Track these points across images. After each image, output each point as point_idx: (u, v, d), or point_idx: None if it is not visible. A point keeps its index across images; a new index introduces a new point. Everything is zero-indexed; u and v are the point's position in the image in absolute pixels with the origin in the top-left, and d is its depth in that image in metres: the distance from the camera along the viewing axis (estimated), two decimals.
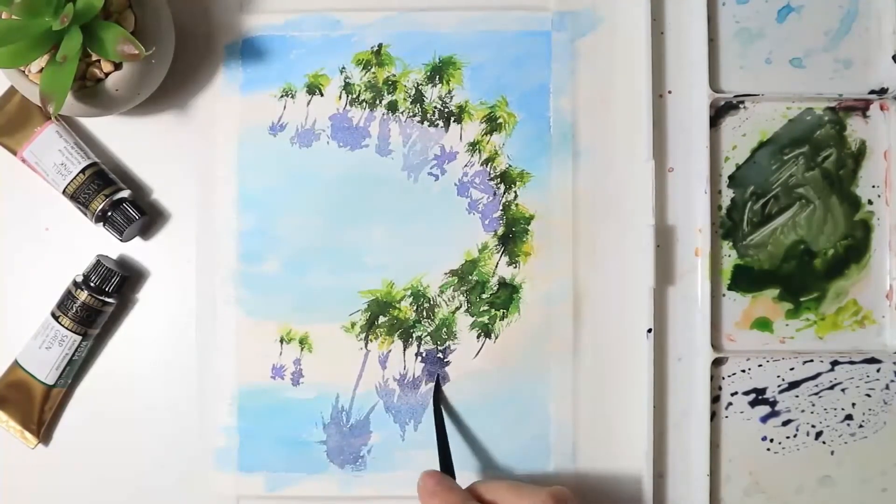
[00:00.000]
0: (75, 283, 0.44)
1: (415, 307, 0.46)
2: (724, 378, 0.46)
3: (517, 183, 0.46)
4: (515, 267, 0.46)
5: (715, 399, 0.46)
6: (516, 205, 0.46)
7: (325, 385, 0.46)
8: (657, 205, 0.45)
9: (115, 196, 0.44)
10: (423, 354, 0.46)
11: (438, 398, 0.45)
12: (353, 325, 0.46)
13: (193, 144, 0.46)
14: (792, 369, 0.46)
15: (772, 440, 0.46)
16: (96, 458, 0.46)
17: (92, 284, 0.44)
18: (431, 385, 0.46)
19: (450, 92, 0.46)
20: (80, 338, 0.44)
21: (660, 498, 0.45)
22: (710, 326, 0.45)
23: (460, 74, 0.46)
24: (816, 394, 0.46)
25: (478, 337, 0.46)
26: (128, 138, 0.47)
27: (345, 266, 0.46)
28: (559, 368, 0.46)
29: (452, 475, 0.41)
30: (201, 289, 0.46)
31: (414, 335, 0.46)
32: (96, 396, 0.46)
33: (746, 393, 0.46)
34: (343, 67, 0.47)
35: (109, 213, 0.44)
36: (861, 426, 0.46)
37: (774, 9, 0.47)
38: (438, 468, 0.41)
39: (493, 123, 0.46)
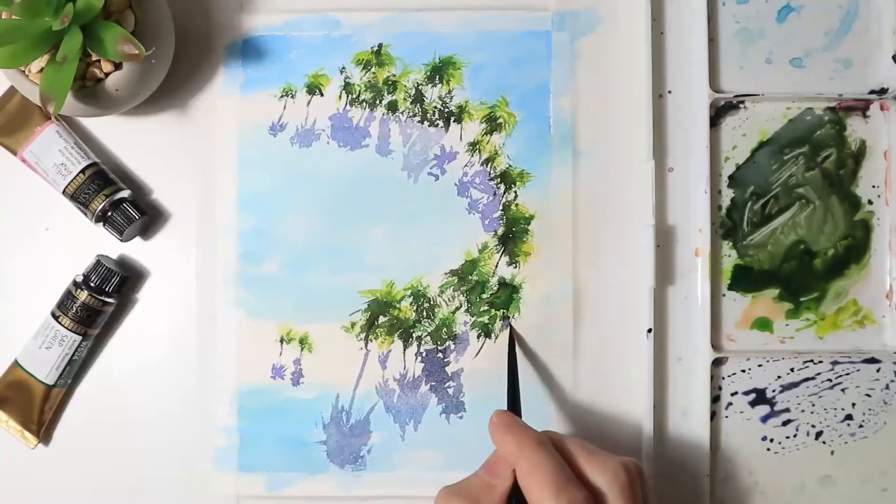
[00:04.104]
0: (75, 283, 0.44)
1: (415, 307, 0.46)
2: (724, 378, 0.46)
3: (517, 183, 0.46)
4: (515, 267, 0.46)
5: (715, 399, 0.46)
6: (516, 205, 0.46)
7: (325, 385, 0.46)
8: (657, 205, 0.45)
9: (115, 196, 0.44)
10: (424, 354, 0.46)
11: (513, 342, 0.44)
12: (353, 325, 0.46)
13: (193, 144, 0.46)
14: (792, 369, 0.46)
15: (772, 440, 0.46)
16: (96, 458, 0.46)
17: (92, 284, 0.44)
18: (431, 384, 0.46)
19: (450, 92, 0.46)
20: (80, 338, 0.44)
21: (660, 498, 0.45)
22: (710, 326, 0.45)
23: (460, 74, 0.46)
24: (816, 394, 0.46)
25: (478, 337, 0.46)
26: (128, 138, 0.47)
27: (345, 266, 0.46)
28: (559, 368, 0.46)
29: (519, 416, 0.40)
30: (201, 289, 0.46)
31: (414, 335, 0.46)
32: (96, 396, 0.46)
33: (746, 393, 0.46)
34: (343, 67, 0.47)
35: (109, 213, 0.44)
36: (861, 426, 0.46)
37: (774, 9, 0.47)
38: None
39: (493, 123, 0.46)
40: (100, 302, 0.44)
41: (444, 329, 0.46)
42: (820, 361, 0.46)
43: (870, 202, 0.47)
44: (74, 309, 0.44)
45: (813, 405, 0.46)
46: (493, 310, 0.46)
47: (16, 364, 0.45)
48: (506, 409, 0.41)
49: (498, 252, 0.46)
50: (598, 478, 0.36)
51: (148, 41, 0.40)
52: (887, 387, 0.46)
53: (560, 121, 0.46)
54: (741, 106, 0.47)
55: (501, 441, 0.37)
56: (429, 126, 0.47)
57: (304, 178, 0.46)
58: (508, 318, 0.46)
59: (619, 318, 0.46)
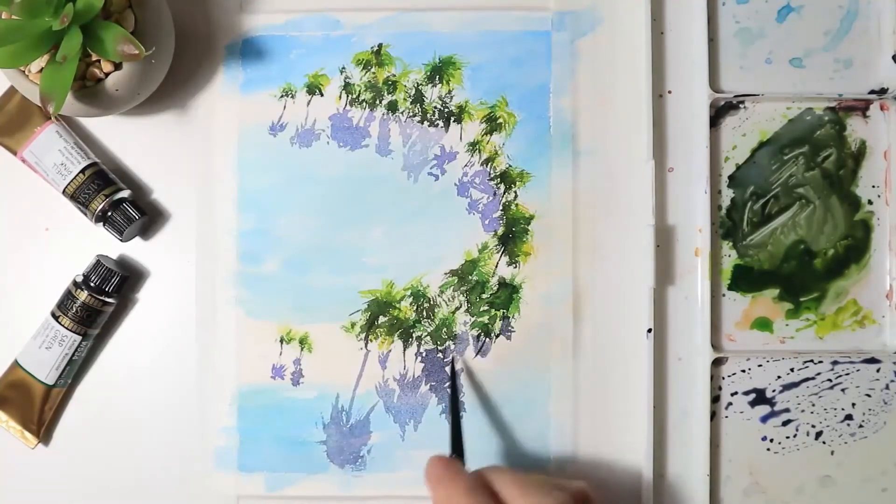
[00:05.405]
0: (75, 283, 0.44)
1: (415, 307, 0.46)
2: (724, 378, 0.46)
3: (517, 183, 0.46)
4: (515, 267, 0.46)
5: (715, 399, 0.46)
6: (516, 205, 0.46)
7: (325, 385, 0.46)
8: (657, 205, 0.45)
9: (115, 196, 0.44)
10: (424, 354, 0.46)
11: (455, 378, 0.45)
12: (353, 325, 0.46)
13: (193, 144, 0.46)
14: (792, 369, 0.46)
15: (772, 440, 0.46)
16: (96, 458, 0.46)
17: (92, 284, 0.44)
18: (431, 384, 0.46)
19: (450, 92, 0.46)
20: (80, 338, 0.44)
21: (660, 498, 0.45)
22: (710, 326, 0.45)
23: (460, 74, 0.46)
24: (816, 394, 0.46)
25: (478, 337, 0.46)
26: (128, 138, 0.47)
27: (345, 266, 0.46)
28: (559, 368, 0.46)
29: (462, 458, 0.40)
30: (201, 289, 0.46)
31: (414, 335, 0.46)
32: (96, 396, 0.46)
33: (746, 393, 0.46)
34: (343, 67, 0.47)
35: (109, 213, 0.44)
36: (861, 426, 0.46)
37: (774, 9, 0.47)
38: (449, 450, 0.41)
39: (493, 123, 0.46)
40: (100, 302, 0.44)
41: (444, 329, 0.46)
42: (820, 361, 0.46)
43: (870, 202, 0.47)
44: (74, 309, 0.44)
45: (813, 405, 0.46)
46: (493, 310, 0.46)
47: (16, 364, 0.45)
48: (449, 450, 0.41)
49: (498, 252, 0.46)
50: None
51: (148, 41, 0.40)
52: (887, 387, 0.46)
53: (560, 121, 0.46)
54: (741, 106, 0.47)
55: (432, 493, 0.37)
56: (429, 126, 0.47)
57: (304, 178, 0.46)
58: (453, 356, 0.46)
59: (619, 318, 0.46)
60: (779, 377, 0.46)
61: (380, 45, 0.46)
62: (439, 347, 0.46)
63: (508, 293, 0.46)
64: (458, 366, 0.46)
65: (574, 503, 0.36)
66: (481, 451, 0.45)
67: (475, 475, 0.38)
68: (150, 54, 0.39)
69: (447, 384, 0.45)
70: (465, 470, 0.38)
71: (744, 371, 0.46)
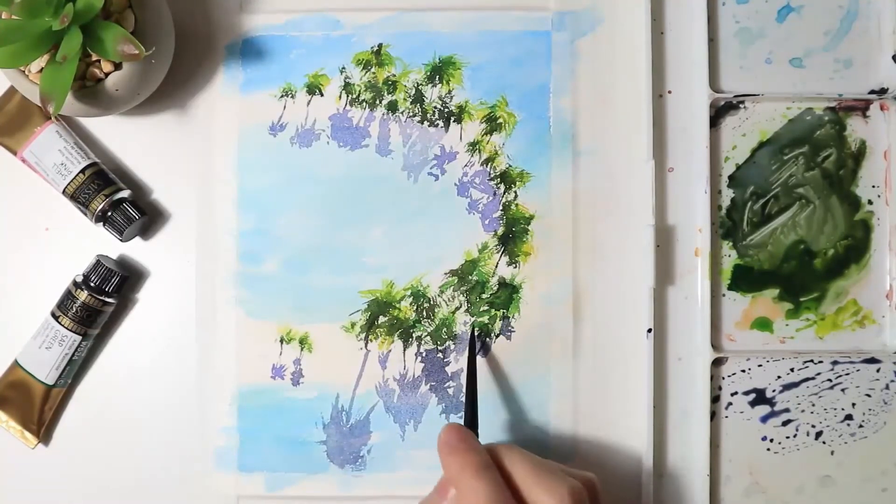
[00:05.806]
0: (75, 283, 0.44)
1: (415, 307, 0.46)
2: (724, 378, 0.46)
3: (517, 183, 0.46)
4: (515, 267, 0.46)
5: (715, 399, 0.46)
6: (516, 205, 0.46)
7: (325, 385, 0.46)
8: (657, 205, 0.45)
9: (115, 196, 0.44)
10: (424, 354, 0.46)
11: (473, 348, 0.44)
12: (353, 325, 0.46)
13: (193, 144, 0.46)
14: (792, 369, 0.46)
15: (772, 440, 0.46)
16: (96, 458, 0.46)
17: (92, 284, 0.44)
18: (431, 384, 0.46)
19: (450, 92, 0.46)
20: (80, 338, 0.44)
21: (660, 498, 0.45)
22: (710, 326, 0.45)
23: (460, 74, 0.46)
24: (816, 394, 0.46)
25: (478, 337, 0.46)
26: (128, 138, 0.47)
27: (345, 266, 0.46)
28: (559, 368, 0.46)
29: (476, 429, 0.40)
30: (201, 289, 0.46)
31: (414, 335, 0.46)
32: (96, 396, 0.46)
33: (746, 393, 0.46)
34: (343, 67, 0.47)
35: (109, 213, 0.44)
36: (861, 426, 0.46)
37: (774, 9, 0.47)
38: (462, 421, 0.41)
39: (493, 123, 0.46)
40: (100, 302, 0.44)
41: (444, 329, 0.46)
42: (820, 361, 0.46)
43: (870, 202, 0.47)
44: (74, 309, 0.44)
45: (813, 405, 0.46)
46: (493, 310, 0.46)
47: (16, 364, 0.45)
48: (462, 421, 0.41)
49: (498, 252, 0.46)
50: (544, 502, 0.35)
51: (148, 41, 0.40)
52: (887, 387, 0.46)
53: (560, 121, 0.46)
54: (741, 106, 0.47)
55: (445, 463, 0.37)
56: (429, 126, 0.47)
57: (304, 178, 0.46)
58: (474, 325, 0.46)
59: (619, 318, 0.46)
60: (779, 377, 0.46)
61: (380, 45, 0.46)
62: (439, 347, 0.46)
63: (508, 293, 0.46)
64: (477, 337, 0.45)
65: (586, 491, 0.36)
66: None
67: (488, 452, 0.37)
68: (150, 54, 0.39)
69: (466, 355, 0.45)
70: (480, 444, 0.38)
71: (744, 371, 0.46)
